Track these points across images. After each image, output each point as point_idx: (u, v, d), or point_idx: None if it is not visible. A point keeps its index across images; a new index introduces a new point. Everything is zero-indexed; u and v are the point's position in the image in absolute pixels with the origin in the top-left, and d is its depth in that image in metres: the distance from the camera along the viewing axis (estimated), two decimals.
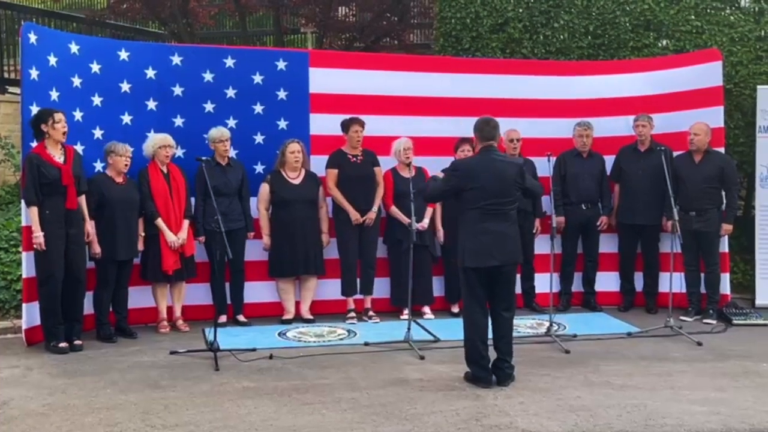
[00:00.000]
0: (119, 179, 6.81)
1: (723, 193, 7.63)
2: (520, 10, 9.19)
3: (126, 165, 6.80)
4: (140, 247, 6.94)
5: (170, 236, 6.94)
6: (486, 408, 5.04)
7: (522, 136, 7.81)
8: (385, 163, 7.64)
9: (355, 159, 7.51)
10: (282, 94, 7.68)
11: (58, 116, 6.28)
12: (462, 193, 5.51)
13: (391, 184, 7.58)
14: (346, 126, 7.47)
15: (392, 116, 7.82)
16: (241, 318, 7.39)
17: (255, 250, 7.46)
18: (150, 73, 7.34)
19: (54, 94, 6.70)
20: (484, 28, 9.27)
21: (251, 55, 7.87)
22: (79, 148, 6.69)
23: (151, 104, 7.36)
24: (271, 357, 6.19)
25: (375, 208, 7.51)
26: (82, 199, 6.48)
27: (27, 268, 6.43)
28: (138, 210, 6.91)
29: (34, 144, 6.43)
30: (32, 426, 4.73)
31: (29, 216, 6.25)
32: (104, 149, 6.81)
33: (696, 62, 8.12)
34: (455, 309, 7.69)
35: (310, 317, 7.48)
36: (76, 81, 6.94)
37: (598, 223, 8.03)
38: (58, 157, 6.30)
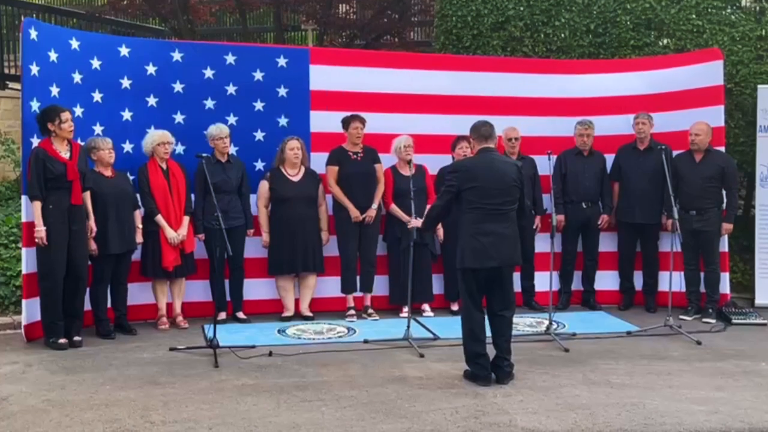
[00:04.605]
0: (108, 173, 6.77)
1: (723, 193, 7.64)
2: (521, 9, 9.17)
3: (111, 157, 6.76)
4: (138, 239, 6.92)
5: (170, 233, 6.93)
6: (485, 406, 5.04)
7: (522, 135, 7.81)
8: (385, 160, 7.63)
9: (355, 156, 7.50)
10: (282, 91, 7.67)
11: (65, 116, 6.27)
12: (461, 193, 5.50)
13: (391, 182, 7.57)
14: (346, 123, 7.47)
15: (392, 114, 7.81)
16: (241, 315, 7.38)
17: (254, 248, 7.46)
18: (150, 69, 7.33)
19: (54, 90, 6.69)
20: (485, 26, 9.25)
21: (252, 52, 7.87)
22: (80, 143, 6.68)
23: (152, 100, 7.36)
24: (270, 354, 6.19)
25: (375, 206, 7.50)
26: (87, 195, 6.47)
27: (27, 264, 6.42)
28: (131, 202, 6.89)
29: (35, 139, 6.43)
30: (31, 422, 4.72)
31: (32, 210, 6.23)
32: (86, 148, 6.68)
33: (697, 61, 8.11)
34: (455, 307, 7.69)
35: (310, 315, 7.48)
36: (77, 77, 6.93)
37: (599, 222, 8.03)
38: (64, 152, 6.29)
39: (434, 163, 7.75)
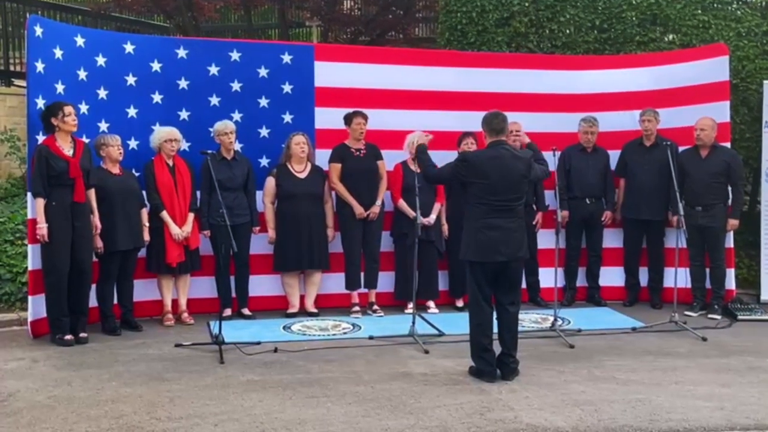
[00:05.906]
0: (115, 170, 6.79)
1: (729, 189, 7.62)
2: (526, 4, 9.16)
3: (120, 153, 6.79)
4: (146, 237, 6.93)
5: (174, 229, 6.95)
6: (490, 402, 5.05)
7: (526, 131, 7.75)
8: (393, 156, 7.62)
9: (358, 153, 7.50)
10: (287, 88, 7.67)
11: (68, 109, 6.29)
12: (468, 186, 5.49)
13: (400, 177, 7.56)
14: (348, 119, 7.47)
15: (397, 110, 7.80)
16: (246, 311, 7.40)
17: (260, 244, 7.46)
18: (155, 66, 7.34)
19: (60, 87, 6.70)
20: (490, 22, 9.24)
21: (256, 49, 7.86)
22: (84, 141, 6.69)
23: (157, 97, 7.36)
24: (275, 350, 6.21)
25: (379, 202, 7.50)
26: (91, 193, 6.48)
27: (32, 260, 6.44)
28: (138, 199, 6.90)
29: (41, 137, 6.44)
30: (38, 418, 4.74)
31: (35, 207, 6.26)
32: (94, 145, 6.71)
33: (702, 57, 8.09)
34: (460, 303, 7.70)
35: (315, 311, 7.49)
36: (82, 74, 6.94)
37: (603, 218, 8.03)
38: (67, 150, 6.30)
39: (439, 159, 7.70)
